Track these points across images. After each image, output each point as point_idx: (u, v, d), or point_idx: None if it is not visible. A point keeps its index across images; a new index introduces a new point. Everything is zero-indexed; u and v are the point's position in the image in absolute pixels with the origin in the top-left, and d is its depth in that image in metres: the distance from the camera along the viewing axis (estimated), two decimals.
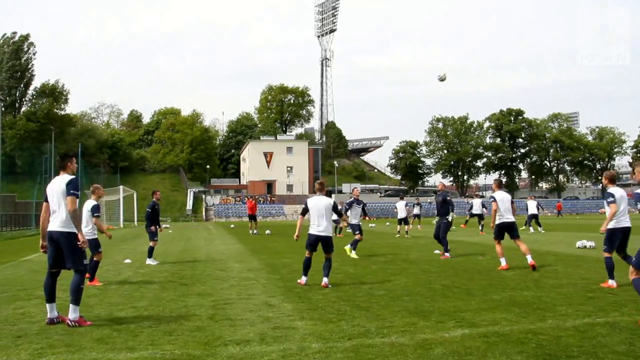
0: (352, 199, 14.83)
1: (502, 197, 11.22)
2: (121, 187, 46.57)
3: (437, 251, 15.09)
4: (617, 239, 8.45)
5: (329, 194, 68.45)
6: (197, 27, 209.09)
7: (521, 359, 4.72)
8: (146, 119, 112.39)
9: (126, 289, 9.22)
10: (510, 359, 4.71)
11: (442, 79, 19.14)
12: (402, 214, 23.47)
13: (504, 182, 11.70)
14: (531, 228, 26.16)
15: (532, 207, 26.57)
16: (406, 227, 23.74)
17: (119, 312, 7.14)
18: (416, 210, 32.76)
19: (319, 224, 9.09)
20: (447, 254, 13.71)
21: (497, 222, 11.19)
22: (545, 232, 25.22)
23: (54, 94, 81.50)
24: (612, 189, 8.58)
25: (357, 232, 14.16)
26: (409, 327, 5.96)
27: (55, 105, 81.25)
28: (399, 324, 6.12)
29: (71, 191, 6.34)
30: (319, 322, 6.31)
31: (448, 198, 14.32)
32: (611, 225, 8.44)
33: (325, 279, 9.14)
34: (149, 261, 13.20)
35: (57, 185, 6.48)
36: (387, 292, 8.35)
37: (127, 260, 13.94)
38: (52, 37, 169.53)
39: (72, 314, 6.26)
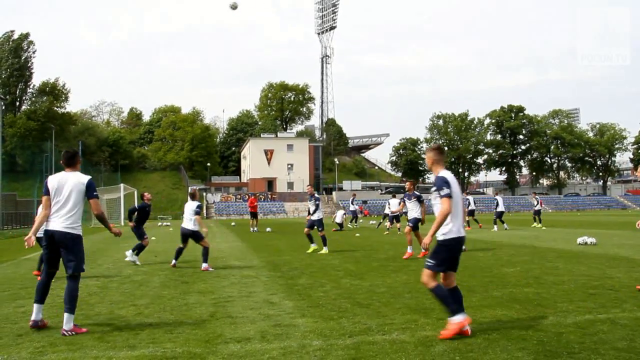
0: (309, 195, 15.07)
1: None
2: (122, 185, 46.53)
3: None
4: None
5: (329, 191, 68.33)
6: (197, 24, 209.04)
7: (522, 355, 4.72)
8: (146, 117, 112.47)
9: (127, 287, 9.23)
10: (511, 356, 4.71)
11: (233, 7, 18.78)
12: (392, 210, 23.95)
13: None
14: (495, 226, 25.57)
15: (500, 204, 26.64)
16: (397, 224, 24.04)
17: (120, 310, 7.14)
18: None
19: (186, 222, 11.95)
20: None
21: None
22: (546, 228, 25.18)
23: (54, 92, 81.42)
24: None
25: (320, 229, 14.54)
26: (410, 324, 5.96)
27: (55, 103, 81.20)
28: (400, 321, 6.12)
29: (95, 193, 6.26)
30: (320, 319, 6.31)
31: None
32: None
33: (204, 264, 11.46)
34: (135, 259, 13.20)
35: (72, 183, 6.14)
36: (388, 289, 8.35)
37: (128, 258, 13.92)
38: (52, 35, 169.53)
39: (68, 323, 5.88)
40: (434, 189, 5.63)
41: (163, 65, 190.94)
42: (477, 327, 5.76)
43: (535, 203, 29.34)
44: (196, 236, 11.80)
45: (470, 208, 27.61)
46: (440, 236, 5.56)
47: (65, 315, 5.91)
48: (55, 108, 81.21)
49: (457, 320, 5.35)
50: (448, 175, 5.63)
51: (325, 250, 14.49)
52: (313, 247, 14.83)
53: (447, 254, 5.55)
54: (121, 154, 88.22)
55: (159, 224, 46.89)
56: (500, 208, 25.56)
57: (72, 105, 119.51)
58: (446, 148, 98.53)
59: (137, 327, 6.10)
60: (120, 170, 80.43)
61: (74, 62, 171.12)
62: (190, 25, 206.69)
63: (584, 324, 5.78)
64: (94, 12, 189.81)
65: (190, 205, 12.02)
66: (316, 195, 15.20)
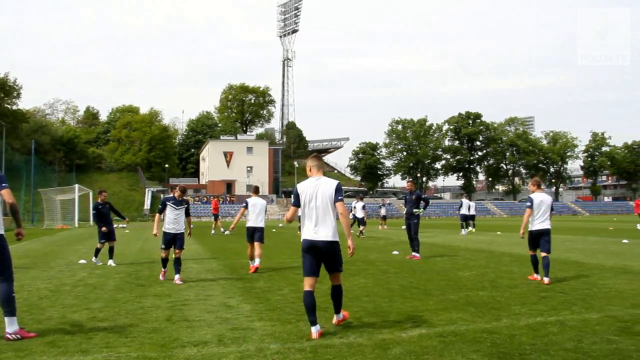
0: (170, 196, 10.73)
1: (255, 203, 11.93)
2: (77, 185, 45.40)
3: (395, 252, 15.28)
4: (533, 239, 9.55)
5: (289, 194, 67.98)
6: (158, 24, 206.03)
7: (476, 357, 4.81)
8: (103, 117, 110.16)
9: (80, 291, 9.00)
10: (466, 358, 4.80)
11: None
12: (359, 214, 24.06)
13: (259, 189, 12.63)
14: (467, 229, 26.27)
15: (470, 208, 27.20)
16: (361, 227, 24.08)
17: (73, 314, 6.96)
18: (382, 212, 33.54)
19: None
20: (417, 255, 13.76)
21: (247, 225, 11.82)
22: (477, 231, 25.83)
23: (5, 88, 78.69)
24: (533, 194, 9.60)
25: (178, 248, 10.24)
26: (368, 328, 6.01)
27: (5, 99, 78.53)
28: (357, 325, 6.17)
29: (4, 184, 5.88)
30: (278, 322, 6.30)
31: (423, 196, 14.48)
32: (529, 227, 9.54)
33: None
34: (93, 259, 13.37)
35: None
36: (346, 293, 8.36)
37: (82, 261, 13.63)
38: (5, 30, 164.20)
39: (10, 326, 5.66)
40: None
41: (122, 63, 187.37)
42: (433, 330, 5.85)
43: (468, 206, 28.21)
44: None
45: (382, 214, 33.37)
46: None
47: (6, 319, 5.69)
48: (6, 105, 78.59)
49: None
50: (301, 185, 5.99)
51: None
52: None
53: (303, 257, 5.92)
54: (76, 153, 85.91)
55: (115, 225, 45.94)
56: (463, 211, 26.22)
57: (25, 103, 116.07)
58: (405, 153, 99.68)
59: (90, 332, 5.96)
60: (75, 170, 78.40)
61: (26, 56, 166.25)
62: (149, 23, 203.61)
63: (536, 326, 5.94)
64: (50, 4, 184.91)
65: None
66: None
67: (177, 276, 9.87)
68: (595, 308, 6.94)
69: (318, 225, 5.79)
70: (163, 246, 10.24)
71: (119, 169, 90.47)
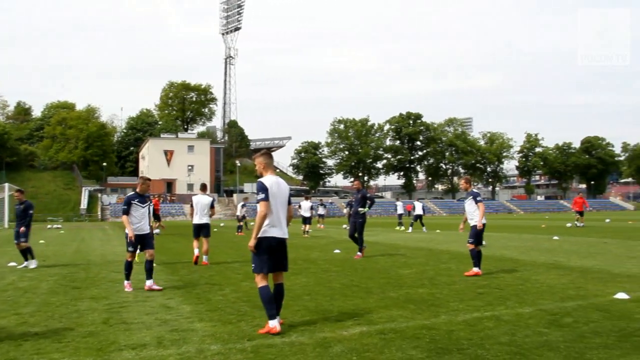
0: (133, 194, 9.21)
1: (198, 201, 12.44)
2: (7, 184, 43.47)
3: (337, 250, 15.38)
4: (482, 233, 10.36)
5: (230, 193, 67.05)
6: (97, 18, 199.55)
7: (416, 353, 4.90)
8: (37, 113, 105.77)
9: (9, 295, 8.61)
10: (406, 354, 4.88)
11: None
12: (305, 213, 24.18)
13: (206, 186, 13.34)
14: (410, 228, 27.48)
15: (418, 208, 28.01)
16: (307, 226, 24.18)
17: (0, 320, 6.64)
18: (321, 211, 33.75)
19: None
20: (359, 253, 13.66)
21: (193, 221, 12.62)
22: (429, 231, 26.53)
23: None
24: (476, 190, 10.25)
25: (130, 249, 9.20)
26: (309, 326, 6.02)
27: None
28: (299, 323, 6.17)
29: None
30: (219, 323, 6.22)
31: (368, 195, 14.50)
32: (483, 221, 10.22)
33: None
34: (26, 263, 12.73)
35: None
36: (288, 292, 8.32)
37: (12, 263, 13.03)
38: None
39: None
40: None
41: (59, 57, 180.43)
42: (373, 327, 5.91)
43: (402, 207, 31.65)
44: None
45: (320, 212, 33.95)
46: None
47: None
48: None
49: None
50: (267, 180, 5.89)
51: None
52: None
53: (265, 253, 5.81)
54: (7, 150, 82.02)
55: (48, 226, 44.21)
56: (418, 211, 27.33)
57: None
58: (347, 152, 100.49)
59: (20, 338, 5.70)
60: (5, 168, 75.03)
61: None
62: (87, 16, 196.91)
63: (473, 322, 6.11)
64: None
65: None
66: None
67: (150, 281, 8.95)
68: (528, 302, 7.20)
69: (281, 222, 5.89)
70: (131, 248, 9.00)
71: (54, 167, 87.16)
